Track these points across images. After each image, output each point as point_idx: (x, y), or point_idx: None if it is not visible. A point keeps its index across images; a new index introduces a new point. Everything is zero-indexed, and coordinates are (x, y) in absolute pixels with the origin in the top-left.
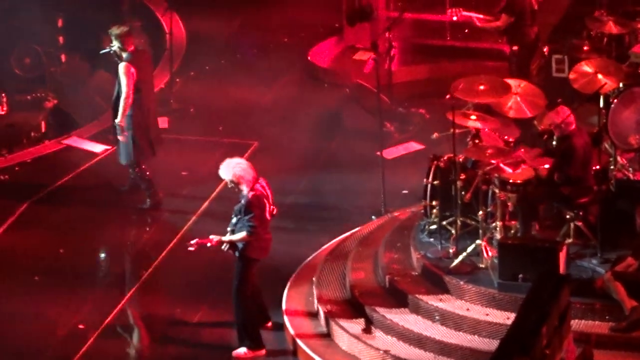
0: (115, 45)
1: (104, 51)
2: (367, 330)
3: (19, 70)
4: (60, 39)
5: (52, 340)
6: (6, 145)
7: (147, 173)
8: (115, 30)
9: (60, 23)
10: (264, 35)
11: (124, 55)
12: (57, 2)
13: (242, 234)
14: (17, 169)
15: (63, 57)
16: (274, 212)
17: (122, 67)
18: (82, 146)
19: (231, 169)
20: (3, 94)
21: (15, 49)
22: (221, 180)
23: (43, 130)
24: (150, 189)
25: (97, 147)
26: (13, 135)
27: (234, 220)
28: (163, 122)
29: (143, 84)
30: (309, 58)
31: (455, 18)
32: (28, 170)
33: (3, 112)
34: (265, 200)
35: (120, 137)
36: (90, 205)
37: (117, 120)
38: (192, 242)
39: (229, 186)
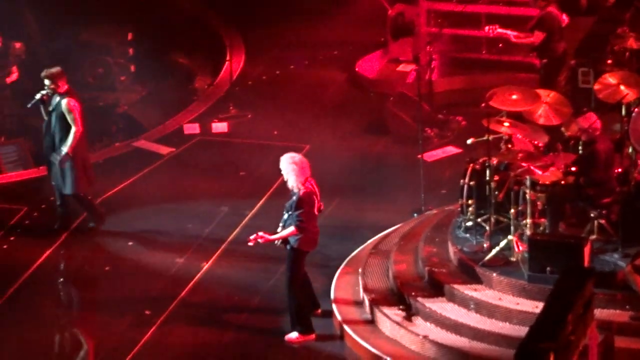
0: (48, 86)
1: (32, 102)
2: (408, 317)
3: (93, 79)
4: (130, 51)
5: (119, 325)
6: None
7: (89, 197)
8: (49, 71)
9: (129, 37)
10: (316, 49)
11: (59, 95)
12: (126, 19)
13: (291, 229)
14: None
15: (132, 68)
16: (321, 208)
17: (65, 103)
18: (150, 148)
19: (292, 162)
20: None
21: (89, 61)
22: (276, 179)
23: (114, 133)
24: (92, 209)
25: (164, 150)
26: (87, 138)
27: (285, 216)
28: (223, 127)
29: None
30: (356, 69)
31: (491, 32)
32: (100, 170)
33: None
34: (314, 198)
35: (62, 165)
36: (157, 201)
37: (65, 149)
38: (251, 237)
39: (285, 177)
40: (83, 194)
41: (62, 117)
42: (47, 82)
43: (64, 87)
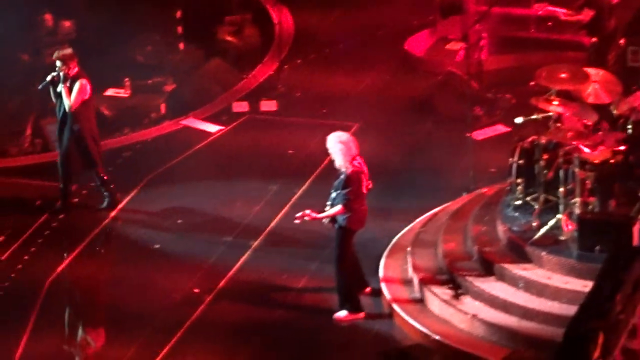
0: (59, 67)
1: (43, 84)
2: (457, 296)
3: (142, 57)
4: (179, 29)
5: (168, 304)
6: (129, 125)
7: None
8: (61, 53)
9: (178, 14)
10: (365, 27)
11: (70, 77)
12: None
13: (339, 208)
14: (138, 146)
15: (181, 46)
16: (370, 186)
17: (79, 82)
18: (198, 126)
19: (339, 141)
20: (127, 79)
21: (138, 39)
22: (324, 158)
23: (162, 111)
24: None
25: (212, 128)
26: (135, 116)
27: (333, 194)
28: (271, 105)
29: (90, 101)
30: (405, 48)
31: (540, 12)
32: (148, 148)
33: (126, 95)
34: (362, 176)
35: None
36: (206, 179)
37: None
38: (298, 215)
39: (332, 156)
40: (72, 172)
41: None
42: (58, 63)
43: (74, 69)
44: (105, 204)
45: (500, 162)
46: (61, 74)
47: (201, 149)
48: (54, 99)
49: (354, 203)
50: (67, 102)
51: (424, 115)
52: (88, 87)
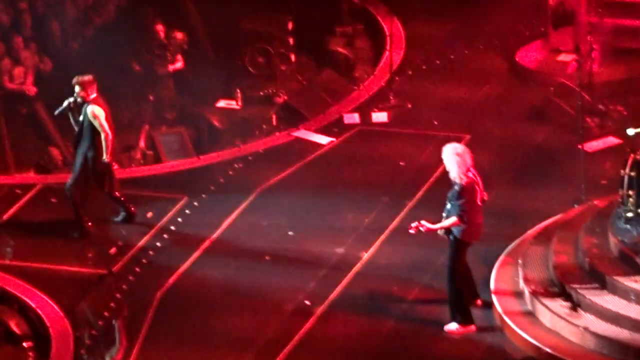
0: (78, 92)
1: (60, 109)
2: (568, 308)
3: (253, 68)
4: (290, 40)
5: (279, 315)
6: (240, 136)
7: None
8: (81, 79)
9: (290, 26)
10: (476, 38)
11: (86, 103)
12: (288, 7)
13: (454, 219)
14: (249, 158)
15: (292, 57)
16: (484, 198)
17: (90, 110)
18: (309, 138)
19: (455, 152)
20: (238, 90)
21: (250, 50)
22: (436, 170)
23: (274, 123)
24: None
25: (324, 139)
26: (247, 128)
27: (448, 206)
28: (382, 117)
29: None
30: (516, 59)
31: None
32: (259, 159)
33: (238, 107)
34: (477, 187)
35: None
36: (317, 191)
37: (105, 157)
38: (413, 225)
39: (447, 168)
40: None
41: (90, 125)
42: (77, 88)
43: (92, 94)
44: (120, 217)
45: (611, 173)
46: (79, 99)
47: (312, 161)
48: (74, 125)
49: (468, 214)
50: (101, 132)
51: (536, 126)
52: (103, 113)
